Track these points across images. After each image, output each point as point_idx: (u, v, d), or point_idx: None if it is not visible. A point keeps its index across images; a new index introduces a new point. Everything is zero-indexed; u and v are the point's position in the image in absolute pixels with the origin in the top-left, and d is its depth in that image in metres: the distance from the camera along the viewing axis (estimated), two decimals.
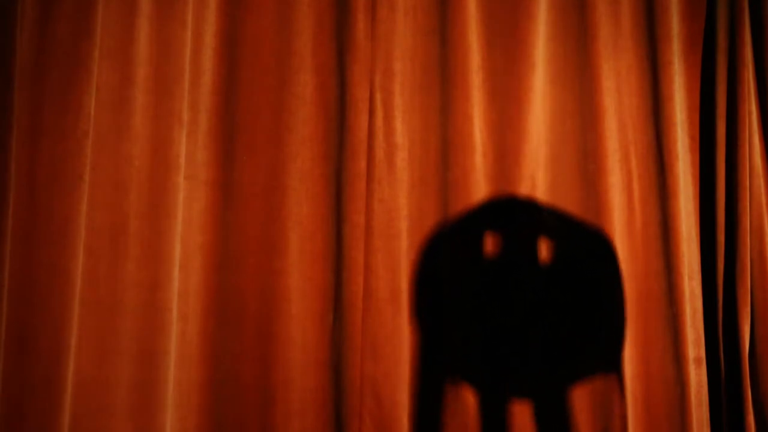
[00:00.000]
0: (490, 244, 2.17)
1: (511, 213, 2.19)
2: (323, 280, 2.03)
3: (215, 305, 1.97)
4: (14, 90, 1.72)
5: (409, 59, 2.18)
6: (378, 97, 2.13)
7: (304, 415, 1.97)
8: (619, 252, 2.25)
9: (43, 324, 1.72)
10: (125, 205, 1.86)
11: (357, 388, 2.01)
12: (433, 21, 2.22)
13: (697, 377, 2.23)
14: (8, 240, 1.68)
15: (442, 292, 2.12)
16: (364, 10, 2.14)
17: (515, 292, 2.17)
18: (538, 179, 2.22)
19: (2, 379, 1.68)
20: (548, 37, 2.30)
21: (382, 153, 2.11)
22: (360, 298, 2.04)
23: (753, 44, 2.44)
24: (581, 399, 2.18)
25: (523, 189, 2.20)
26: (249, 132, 2.04)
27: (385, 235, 2.08)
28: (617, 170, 2.29)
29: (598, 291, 2.24)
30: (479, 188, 2.17)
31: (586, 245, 2.25)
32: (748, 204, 2.32)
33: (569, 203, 2.25)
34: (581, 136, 2.29)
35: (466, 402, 2.09)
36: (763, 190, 2.39)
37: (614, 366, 2.19)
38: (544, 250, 2.21)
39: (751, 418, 2.24)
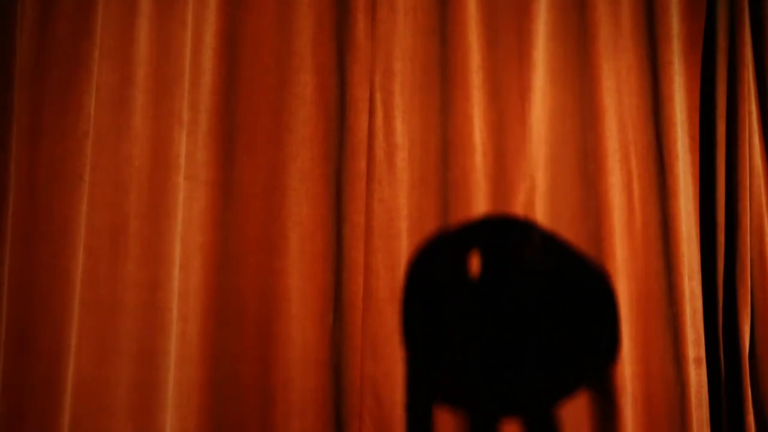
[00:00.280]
0: (487, 252, 2.17)
1: (511, 221, 2.19)
2: (323, 280, 2.03)
3: (215, 305, 1.97)
4: (14, 90, 1.71)
5: (409, 59, 2.18)
6: (378, 97, 2.13)
7: (304, 415, 1.97)
8: (619, 252, 2.24)
9: (43, 324, 1.72)
10: (125, 205, 1.85)
11: (357, 388, 2.01)
12: (433, 21, 2.22)
13: (697, 377, 2.23)
14: (8, 240, 1.67)
15: (441, 296, 2.12)
16: (364, 10, 2.14)
17: (513, 298, 2.16)
18: (538, 179, 2.22)
19: (2, 379, 1.68)
20: (548, 37, 2.30)
21: (382, 153, 2.11)
22: (360, 298, 2.04)
23: (753, 44, 2.44)
24: (581, 399, 2.18)
25: (523, 189, 2.20)
26: (249, 132, 2.04)
27: (385, 235, 2.08)
28: (617, 170, 2.29)
29: (595, 298, 2.24)
30: (479, 188, 2.17)
31: (584, 262, 2.25)
32: (748, 204, 2.32)
33: (569, 203, 2.25)
34: (581, 136, 2.29)
35: (461, 406, 2.09)
36: (763, 190, 2.39)
37: (610, 373, 2.19)
38: (542, 259, 2.21)
39: (751, 418, 2.24)
